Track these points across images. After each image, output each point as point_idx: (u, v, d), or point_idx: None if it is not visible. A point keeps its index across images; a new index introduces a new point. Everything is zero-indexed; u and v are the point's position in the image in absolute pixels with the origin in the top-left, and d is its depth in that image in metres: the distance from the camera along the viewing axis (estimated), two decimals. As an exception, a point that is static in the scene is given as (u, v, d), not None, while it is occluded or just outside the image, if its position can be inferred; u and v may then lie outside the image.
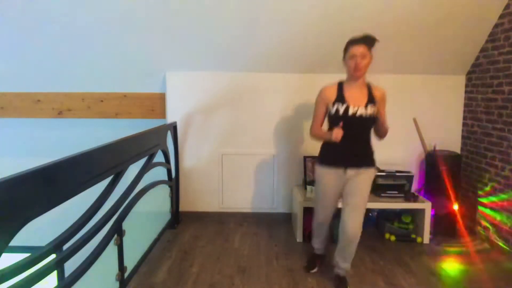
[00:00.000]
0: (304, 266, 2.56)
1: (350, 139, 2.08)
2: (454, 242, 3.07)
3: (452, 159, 3.21)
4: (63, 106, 3.63)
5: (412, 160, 3.51)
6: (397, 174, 3.19)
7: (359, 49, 2.02)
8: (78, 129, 3.69)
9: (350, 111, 2.07)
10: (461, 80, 3.45)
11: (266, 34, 3.10)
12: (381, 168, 3.27)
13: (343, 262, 2.29)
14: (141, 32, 3.12)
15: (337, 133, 2.04)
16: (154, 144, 2.65)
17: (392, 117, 3.42)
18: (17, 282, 1.20)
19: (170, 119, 3.48)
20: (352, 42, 2.07)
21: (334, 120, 2.14)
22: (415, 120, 3.46)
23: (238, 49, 3.22)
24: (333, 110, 2.12)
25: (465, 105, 3.45)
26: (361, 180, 2.16)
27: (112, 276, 1.97)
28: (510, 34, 2.84)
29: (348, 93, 2.12)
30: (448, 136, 3.48)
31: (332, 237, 3.02)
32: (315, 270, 2.51)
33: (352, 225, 2.13)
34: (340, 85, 2.17)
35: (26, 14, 2.99)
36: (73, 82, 3.54)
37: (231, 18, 2.99)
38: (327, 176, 2.22)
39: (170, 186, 3.16)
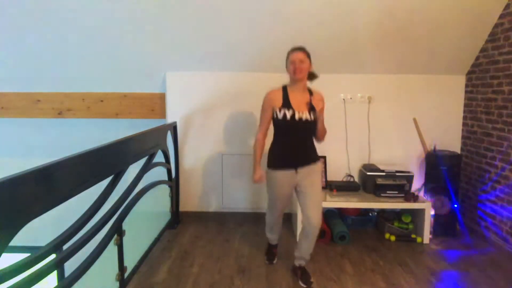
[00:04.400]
0: (266, 259, 2.72)
1: (297, 141, 2.28)
2: (454, 242, 3.07)
3: (452, 159, 3.21)
4: (63, 106, 3.63)
5: (412, 160, 3.51)
6: (397, 174, 3.19)
7: (298, 55, 2.19)
8: (78, 129, 3.69)
9: (297, 116, 2.21)
10: (461, 80, 3.45)
11: (266, 34, 3.10)
12: (381, 168, 3.28)
13: (306, 253, 2.42)
14: (141, 32, 3.12)
15: (258, 179, 2.33)
16: (154, 144, 2.65)
17: (392, 117, 3.47)
18: (17, 282, 1.20)
19: (170, 119, 3.48)
20: (292, 50, 2.25)
21: (281, 124, 2.26)
22: (415, 120, 3.47)
23: (238, 49, 3.22)
24: (281, 115, 2.23)
25: (465, 105, 3.45)
26: (313, 178, 2.33)
27: (112, 276, 1.97)
28: (510, 34, 2.84)
29: (293, 98, 2.25)
30: (448, 136, 3.48)
31: (332, 237, 3.02)
32: (275, 260, 2.70)
33: (316, 217, 2.29)
34: (285, 90, 2.29)
35: (26, 14, 2.99)
36: (73, 82, 3.54)
37: (231, 18, 2.99)
38: (279, 177, 2.32)
39: (170, 186, 3.16)
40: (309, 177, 2.32)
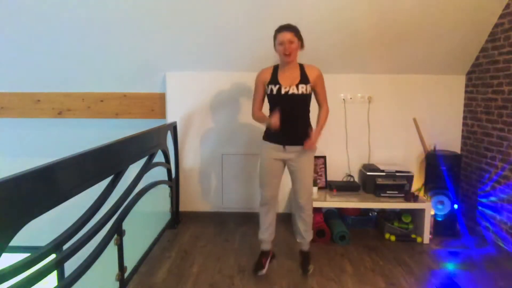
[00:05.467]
0: (253, 268, 2.48)
1: (285, 117, 2.24)
2: (454, 242, 3.07)
3: (452, 159, 3.21)
4: (63, 106, 3.63)
5: (412, 160, 3.51)
6: (397, 174, 3.19)
7: (286, 36, 2.17)
8: (78, 129, 3.69)
9: (282, 91, 2.25)
10: (461, 80, 3.45)
11: (267, 34, 3.09)
12: (381, 168, 3.28)
13: (304, 231, 2.48)
14: (141, 32, 3.12)
15: (275, 121, 2.20)
16: (154, 144, 2.65)
17: (392, 117, 3.47)
18: (17, 282, 1.20)
19: (170, 119, 3.48)
20: (280, 30, 2.22)
21: (270, 99, 2.35)
22: (415, 120, 3.47)
23: (238, 49, 3.22)
24: (269, 91, 2.31)
25: (465, 105, 3.45)
26: (303, 161, 2.33)
27: (112, 276, 1.97)
28: (510, 34, 2.84)
29: (281, 75, 2.29)
30: (448, 136, 3.48)
31: (332, 237, 3.02)
32: (263, 271, 2.45)
33: (304, 198, 2.38)
34: (276, 69, 2.34)
35: (25, 15, 2.98)
36: (73, 82, 3.54)
37: (231, 18, 2.99)
38: (268, 150, 2.38)
39: (170, 186, 3.16)
40: (299, 159, 2.32)
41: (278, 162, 2.39)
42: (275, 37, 2.24)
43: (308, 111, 2.35)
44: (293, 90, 2.23)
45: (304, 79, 2.26)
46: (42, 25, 3.06)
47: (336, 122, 3.45)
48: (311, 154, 2.38)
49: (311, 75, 2.27)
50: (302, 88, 2.24)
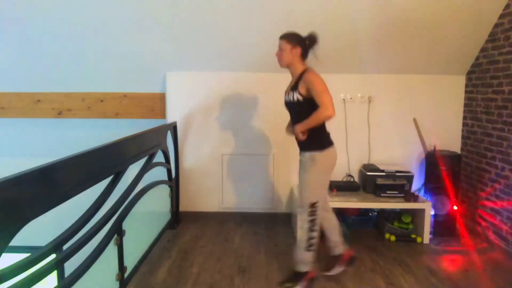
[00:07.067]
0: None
1: (293, 124, 2.31)
2: (454, 242, 3.07)
3: (452, 159, 3.21)
4: (63, 106, 3.63)
5: (412, 160, 3.51)
6: (397, 174, 3.19)
7: (279, 44, 2.27)
8: (78, 129, 3.69)
9: (283, 99, 2.34)
10: (461, 80, 3.45)
11: (266, 34, 3.10)
12: (381, 168, 3.28)
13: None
14: (141, 32, 3.12)
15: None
16: (154, 144, 2.65)
17: (392, 117, 3.47)
18: (17, 282, 1.20)
19: (170, 119, 3.48)
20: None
21: None
22: (415, 120, 3.47)
23: (238, 49, 3.22)
24: None
25: (465, 105, 3.45)
26: (301, 170, 2.32)
27: (112, 276, 1.97)
28: (510, 34, 2.84)
29: (288, 83, 2.36)
30: (448, 136, 3.48)
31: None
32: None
33: (298, 198, 2.36)
34: None
35: (25, 14, 2.99)
36: (73, 82, 3.54)
37: (231, 18, 2.99)
38: None
39: (170, 186, 3.16)
40: (300, 167, 2.32)
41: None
42: None
43: (305, 118, 2.15)
44: (287, 97, 2.28)
45: (295, 86, 2.20)
46: (42, 25, 3.06)
47: (336, 122, 3.45)
48: (307, 159, 2.25)
49: (302, 80, 2.16)
50: (290, 95, 2.23)
